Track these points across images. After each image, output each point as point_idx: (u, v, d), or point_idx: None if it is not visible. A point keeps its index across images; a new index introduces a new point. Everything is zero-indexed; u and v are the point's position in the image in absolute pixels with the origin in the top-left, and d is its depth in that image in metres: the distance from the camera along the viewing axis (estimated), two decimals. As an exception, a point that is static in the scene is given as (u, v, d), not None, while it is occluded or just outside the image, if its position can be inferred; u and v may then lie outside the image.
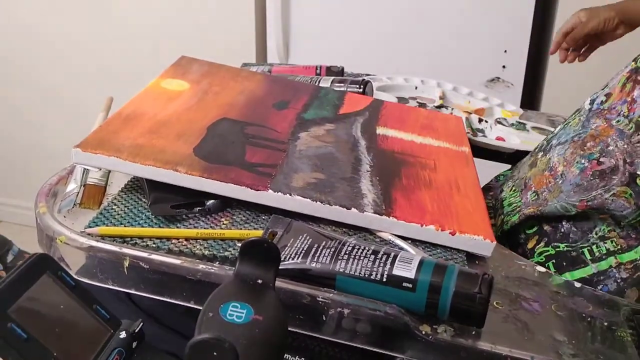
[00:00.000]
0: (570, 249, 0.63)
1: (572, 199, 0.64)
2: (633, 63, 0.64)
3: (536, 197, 0.68)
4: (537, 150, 0.75)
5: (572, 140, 0.68)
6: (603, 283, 0.59)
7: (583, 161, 0.64)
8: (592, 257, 0.61)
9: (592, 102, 0.70)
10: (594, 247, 0.62)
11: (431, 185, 0.64)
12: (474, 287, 0.46)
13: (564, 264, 0.61)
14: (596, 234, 0.62)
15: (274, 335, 0.41)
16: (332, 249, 0.51)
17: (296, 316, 0.49)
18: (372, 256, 0.49)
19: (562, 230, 0.64)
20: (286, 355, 0.55)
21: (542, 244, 0.66)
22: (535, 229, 0.67)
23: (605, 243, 0.61)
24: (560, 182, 0.66)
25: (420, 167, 0.67)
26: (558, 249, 0.64)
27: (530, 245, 0.67)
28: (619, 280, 0.58)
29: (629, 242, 0.60)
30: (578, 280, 0.60)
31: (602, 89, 0.69)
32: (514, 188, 0.74)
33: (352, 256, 0.50)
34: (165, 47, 1.64)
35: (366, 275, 0.48)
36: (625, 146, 0.62)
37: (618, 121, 0.63)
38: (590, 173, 0.63)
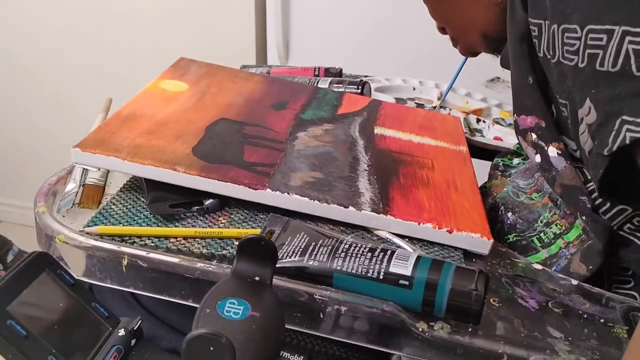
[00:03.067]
0: (519, 238, 0.65)
1: (522, 184, 0.68)
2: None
3: (494, 196, 0.71)
4: (493, 168, 0.79)
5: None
6: (556, 264, 0.61)
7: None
8: (541, 243, 0.63)
9: None
10: (541, 234, 0.63)
11: (429, 183, 0.64)
12: (470, 284, 0.46)
13: (517, 252, 0.62)
14: (541, 222, 0.64)
15: (271, 331, 0.41)
16: (330, 247, 0.51)
17: (294, 314, 0.50)
18: (369, 254, 0.50)
19: (509, 222, 0.66)
20: (285, 354, 0.55)
21: None
22: None
23: (551, 228, 0.63)
24: (512, 177, 0.71)
25: (418, 166, 0.68)
26: (508, 241, 0.66)
27: None
28: (568, 256, 0.60)
29: (569, 220, 0.62)
30: None
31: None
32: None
33: (349, 254, 0.50)
34: (165, 47, 1.65)
35: (363, 273, 0.49)
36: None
37: None
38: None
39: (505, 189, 0.69)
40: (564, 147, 0.59)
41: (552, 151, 0.59)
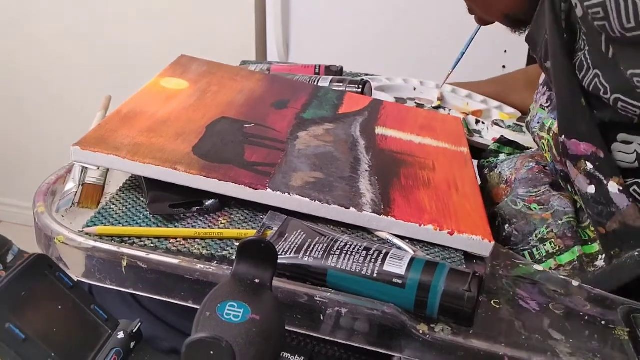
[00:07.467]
0: (512, 250, 0.64)
1: (521, 192, 0.67)
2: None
3: (494, 205, 0.71)
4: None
5: (520, 155, 0.74)
6: None
7: (531, 164, 0.69)
8: (532, 259, 0.63)
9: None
10: (534, 249, 0.63)
11: (430, 185, 0.64)
12: (463, 286, 0.46)
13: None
14: (536, 236, 0.63)
15: (271, 334, 0.41)
16: (325, 245, 0.51)
17: (294, 315, 0.49)
18: (364, 252, 0.49)
19: (504, 234, 0.66)
20: (286, 355, 0.55)
21: None
22: None
23: (545, 245, 0.62)
24: (514, 186, 0.70)
25: (419, 167, 0.67)
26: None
27: None
28: None
29: (566, 243, 0.61)
30: None
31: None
32: None
33: (345, 252, 0.50)
34: (166, 46, 1.64)
35: (357, 271, 0.48)
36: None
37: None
38: (537, 170, 0.68)
39: (505, 199, 0.68)
40: (623, 182, 0.54)
41: (613, 187, 0.55)
